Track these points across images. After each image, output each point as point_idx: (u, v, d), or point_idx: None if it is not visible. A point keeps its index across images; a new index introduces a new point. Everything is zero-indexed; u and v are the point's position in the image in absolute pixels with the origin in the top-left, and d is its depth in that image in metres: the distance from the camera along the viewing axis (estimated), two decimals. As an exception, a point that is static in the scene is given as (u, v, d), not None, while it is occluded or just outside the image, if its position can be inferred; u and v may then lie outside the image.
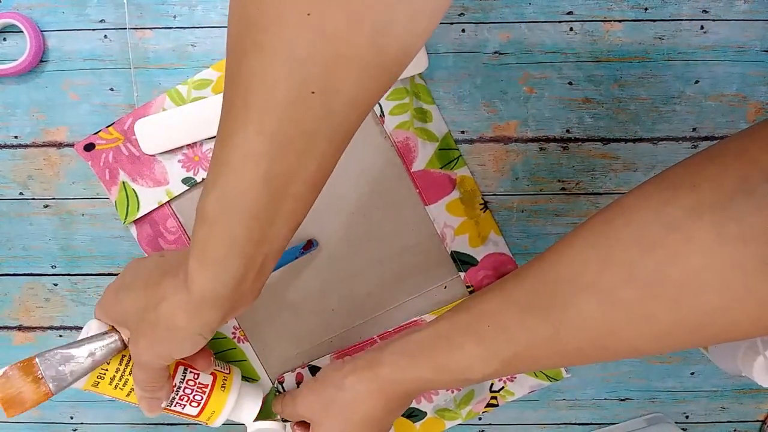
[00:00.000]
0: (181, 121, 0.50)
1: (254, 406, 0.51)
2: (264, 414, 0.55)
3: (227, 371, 0.50)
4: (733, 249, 0.29)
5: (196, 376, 0.48)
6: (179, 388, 0.47)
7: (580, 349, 0.36)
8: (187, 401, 0.47)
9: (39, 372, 0.39)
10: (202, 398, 0.48)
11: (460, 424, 0.57)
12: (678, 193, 0.32)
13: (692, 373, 0.56)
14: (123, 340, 0.43)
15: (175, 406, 0.48)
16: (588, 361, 0.38)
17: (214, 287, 0.35)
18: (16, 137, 0.53)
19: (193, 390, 0.47)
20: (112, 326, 0.44)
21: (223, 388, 0.49)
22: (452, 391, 0.56)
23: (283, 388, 0.55)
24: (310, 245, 0.50)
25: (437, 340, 0.43)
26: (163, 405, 0.46)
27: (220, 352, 0.55)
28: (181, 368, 0.47)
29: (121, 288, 0.43)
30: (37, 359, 0.39)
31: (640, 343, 0.34)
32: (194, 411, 0.48)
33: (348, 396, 0.45)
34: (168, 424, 0.58)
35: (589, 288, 0.34)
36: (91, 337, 0.42)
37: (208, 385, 0.48)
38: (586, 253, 0.35)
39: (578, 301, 0.34)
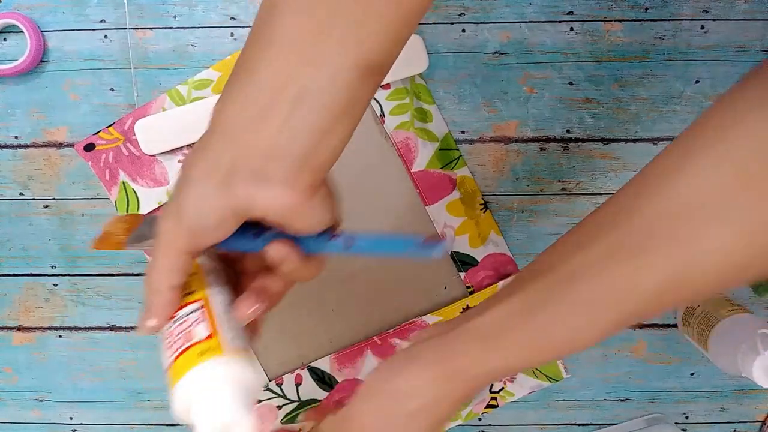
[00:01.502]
0: (181, 121, 0.50)
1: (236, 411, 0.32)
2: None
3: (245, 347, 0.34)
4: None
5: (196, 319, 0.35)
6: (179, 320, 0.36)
7: (719, 279, 0.29)
8: (171, 341, 0.36)
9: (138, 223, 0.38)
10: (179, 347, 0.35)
11: (460, 425, 0.57)
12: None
13: (692, 374, 0.56)
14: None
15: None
16: (720, 290, 0.33)
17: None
18: (16, 137, 0.52)
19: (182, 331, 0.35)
20: None
21: (201, 355, 0.33)
22: (452, 392, 0.55)
23: (282, 390, 0.55)
24: (433, 241, 0.33)
25: (524, 313, 0.34)
26: (152, 324, 0.35)
27: (220, 353, 0.55)
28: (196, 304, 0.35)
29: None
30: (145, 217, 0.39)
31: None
32: (166, 360, 0.36)
33: (418, 403, 0.36)
34: (168, 425, 0.58)
35: (721, 214, 0.28)
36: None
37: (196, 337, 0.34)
38: (709, 175, 0.28)
39: (710, 232, 0.28)
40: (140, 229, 0.39)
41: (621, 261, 0.31)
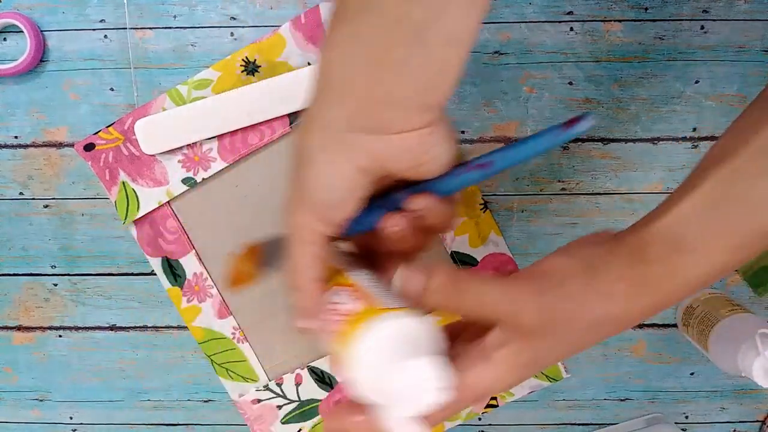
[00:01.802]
0: (181, 121, 0.50)
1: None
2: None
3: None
4: None
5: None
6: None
7: None
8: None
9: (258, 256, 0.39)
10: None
11: (460, 425, 0.57)
12: None
13: (692, 374, 0.56)
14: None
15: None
16: None
17: None
18: (16, 137, 0.52)
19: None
20: None
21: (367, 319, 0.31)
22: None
23: (282, 390, 0.55)
24: (575, 121, 0.31)
25: (717, 204, 0.30)
26: (304, 324, 0.34)
27: (219, 353, 0.55)
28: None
29: None
30: (259, 245, 0.39)
31: None
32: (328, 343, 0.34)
33: (605, 311, 0.31)
34: (168, 425, 0.58)
35: None
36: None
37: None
38: None
39: None
40: (267, 253, 0.39)
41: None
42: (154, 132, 0.50)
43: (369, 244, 0.36)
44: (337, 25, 0.29)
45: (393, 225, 0.33)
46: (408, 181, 0.32)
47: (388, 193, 0.33)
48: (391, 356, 0.30)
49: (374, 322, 0.31)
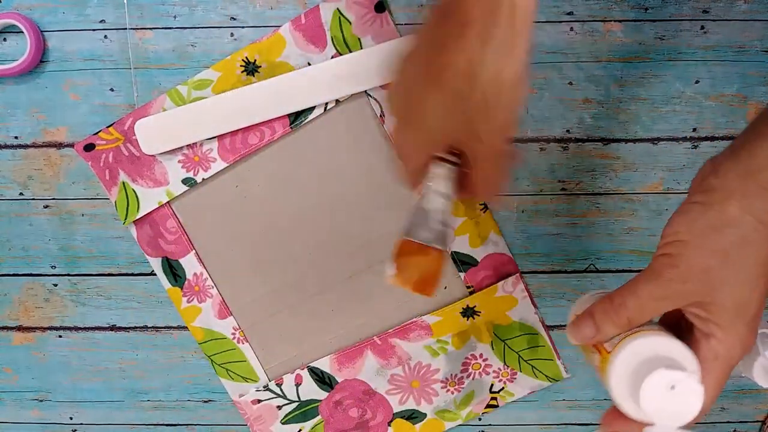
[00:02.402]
0: (181, 121, 0.50)
1: None
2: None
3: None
4: None
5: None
6: None
7: None
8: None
9: (416, 245, 0.38)
10: None
11: (460, 425, 0.57)
12: None
13: (692, 374, 0.56)
14: (450, 159, 0.38)
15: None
16: None
17: None
18: (16, 137, 0.53)
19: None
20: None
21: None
22: (452, 392, 0.55)
23: (282, 390, 0.55)
24: None
25: None
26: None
27: (219, 353, 0.55)
28: None
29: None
30: (408, 237, 0.38)
31: None
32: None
33: (738, 235, 0.33)
34: (168, 425, 0.58)
35: None
36: (426, 185, 0.39)
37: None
38: None
39: None
40: (424, 237, 0.39)
41: None
42: (155, 132, 0.50)
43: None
44: None
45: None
46: None
47: None
48: (650, 371, 0.34)
49: (631, 341, 0.36)
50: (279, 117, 0.50)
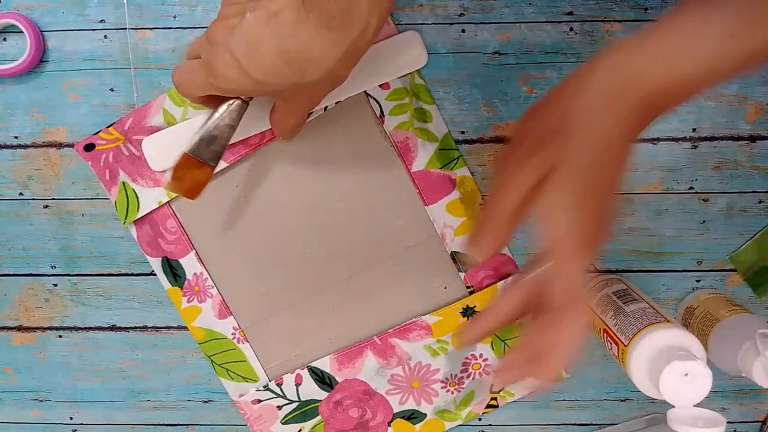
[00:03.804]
0: (188, 135, 0.50)
1: None
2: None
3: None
4: None
5: None
6: None
7: None
8: None
9: (196, 160, 0.44)
10: None
11: (460, 425, 0.57)
12: None
13: (692, 374, 0.56)
14: (242, 99, 0.43)
15: None
16: None
17: None
18: (16, 137, 0.53)
19: None
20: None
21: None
22: (452, 392, 0.55)
23: (282, 390, 0.55)
24: None
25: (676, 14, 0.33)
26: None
27: (219, 353, 0.55)
28: None
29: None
30: (188, 153, 0.44)
31: None
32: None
33: (585, 102, 0.34)
34: (168, 425, 0.58)
35: None
36: (212, 113, 0.44)
37: None
38: None
39: None
40: (203, 156, 0.44)
41: None
42: (162, 149, 0.50)
43: None
44: None
45: None
46: None
47: None
48: (666, 361, 0.40)
49: (645, 334, 0.43)
50: (279, 117, 0.50)
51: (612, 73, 0.34)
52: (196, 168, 0.44)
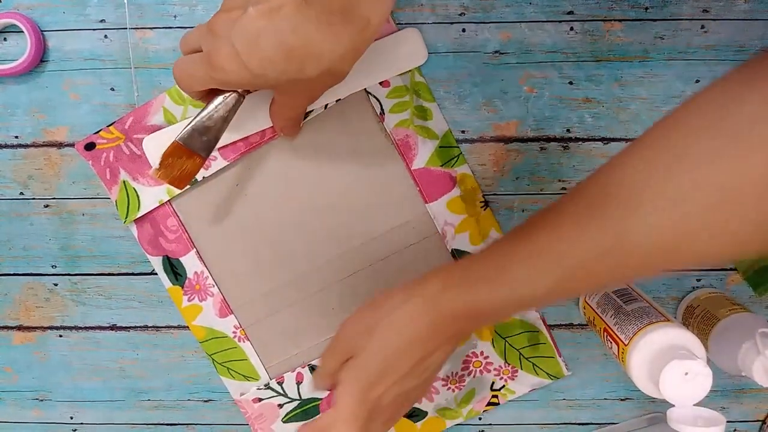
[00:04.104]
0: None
1: None
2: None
3: None
4: None
5: None
6: None
7: (644, 261, 0.34)
8: None
9: (187, 149, 0.44)
10: None
11: (460, 424, 0.57)
12: (741, 96, 0.30)
13: (692, 373, 0.56)
14: (239, 92, 0.43)
15: None
16: (650, 272, 0.37)
17: None
18: (16, 137, 0.52)
19: None
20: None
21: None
22: (453, 390, 0.56)
23: (283, 389, 0.55)
24: None
25: (490, 254, 0.39)
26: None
27: (220, 352, 0.55)
28: None
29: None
30: (180, 142, 0.44)
31: (710, 251, 0.32)
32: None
33: (392, 317, 0.40)
34: (168, 424, 0.58)
35: (656, 198, 0.32)
36: (207, 104, 0.44)
37: None
38: (647, 165, 0.33)
39: (644, 211, 0.32)
40: (195, 146, 0.44)
41: (572, 223, 0.36)
42: (163, 147, 0.50)
43: None
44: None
45: None
46: None
47: None
48: (666, 360, 0.40)
49: (646, 333, 0.43)
50: (279, 116, 0.50)
51: (425, 300, 0.40)
52: (187, 157, 0.44)
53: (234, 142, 0.51)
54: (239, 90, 0.43)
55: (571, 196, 0.37)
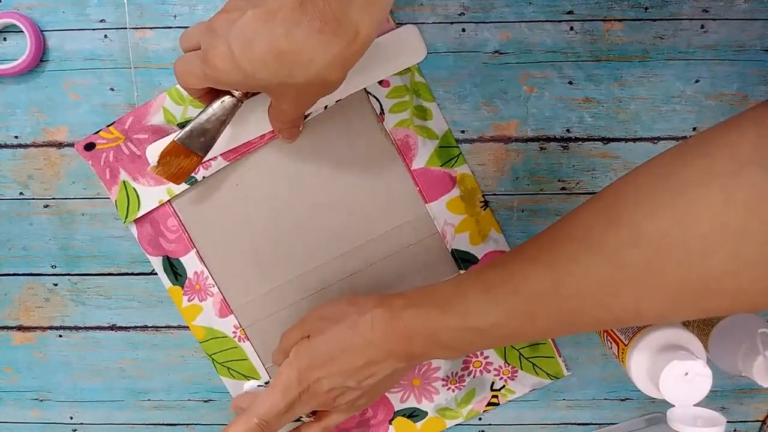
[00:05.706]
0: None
1: None
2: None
3: None
4: (744, 214, 0.29)
5: None
6: None
7: (580, 308, 0.35)
8: None
9: (185, 149, 0.46)
10: None
11: (460, 424, 0.57)
12: (689, 160, 0.32)
13: (693, 373, 0.56)
14: (236, 96, 0.44)
15: None
16: (588, 325, 0.38)
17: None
18: (16, 137, 0.53)
19: None
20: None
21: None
22: (453, 390, 0.55)
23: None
24: None
25: (452, 283, 0.42)
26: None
27: (220, 352, 0.55)
28: None
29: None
30: (178, 142, 0.45)
31: (645, 306, 0.34)
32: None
33: (358, 317, 0.44)
34: (168, 424, 0.58)
35: (594, 246, 0.34)
36: (206, 106, 0.45)
37: None
38: (594, 214, 0.35)
39: (582, 258, 0.34)
40: (192, 146, 0.46)
41: (520, 263, 0.38)
42: None
43: None
44: None
45: None
46: None
47: None
48: (666, 360, 0.40)
49: (646, 334, 0.43)
50: (279, 116, 0.50)
51: (388, 312, 0.43)
52: (184, 156, 0.46)
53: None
54: (236, 93, 0.44)
55: (532, 241, 0.39)
